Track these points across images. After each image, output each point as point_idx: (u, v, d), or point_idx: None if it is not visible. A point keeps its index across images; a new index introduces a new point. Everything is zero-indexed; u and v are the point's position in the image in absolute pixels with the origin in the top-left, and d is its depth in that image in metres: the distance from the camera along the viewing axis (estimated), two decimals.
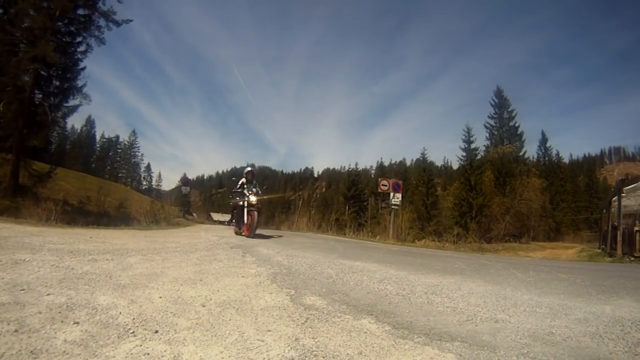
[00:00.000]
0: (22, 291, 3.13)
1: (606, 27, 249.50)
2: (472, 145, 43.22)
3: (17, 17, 20.38)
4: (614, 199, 18.10)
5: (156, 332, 2.53)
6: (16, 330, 2.31)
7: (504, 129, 50.21)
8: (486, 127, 51.30)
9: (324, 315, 3.17)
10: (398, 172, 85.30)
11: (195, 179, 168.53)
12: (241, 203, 12.34)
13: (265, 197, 13.57)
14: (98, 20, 22.90)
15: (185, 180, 54.06)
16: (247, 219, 11.84)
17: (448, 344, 2.68)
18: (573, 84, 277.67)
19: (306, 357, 2.30)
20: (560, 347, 2.76)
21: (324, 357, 2.31)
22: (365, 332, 2.83)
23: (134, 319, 2.74)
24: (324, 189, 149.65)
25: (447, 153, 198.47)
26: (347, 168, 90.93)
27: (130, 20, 24.38)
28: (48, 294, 3.12)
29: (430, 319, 3.27)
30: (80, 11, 22.77)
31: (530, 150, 55.28)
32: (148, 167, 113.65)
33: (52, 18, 20.69)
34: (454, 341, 2.75)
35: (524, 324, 3.28)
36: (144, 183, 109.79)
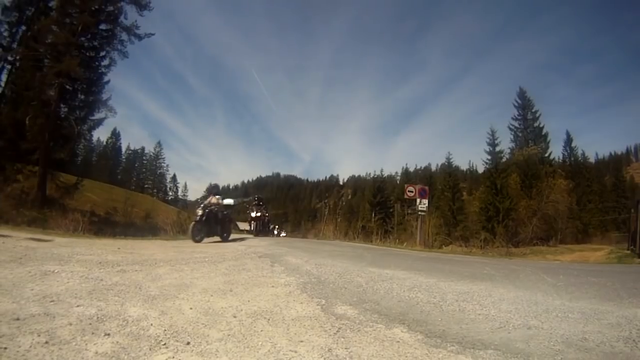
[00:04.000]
0: (52, 302, 3.15)
1: (627, 21, 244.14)
2: (497, 148, 42.74)
3: (40, 34, 20.86)
4: None
5: (188, 343, 2.52)
6: (47, 342, 2.32)
7: (529, 130, 49.56)
8: (510, 129, 50.73)
9: (355, 324, 3.14)
10: (423, 178, 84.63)
11: (221, 188, 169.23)
12: None
13: None
14: (120, 35, 23.31)
15: (210, 189, 54.61)
16: None
17: (482, 352, 2.64)
18: (596, 81, 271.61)
19: None
20: (593, 353, 2.72)
21: None
22: (398, 342, 2.79)
23: (165, 330, 2.74)
24: (349, 197, 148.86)
25: (472, 157, 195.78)
26: (372, 175, 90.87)
27: (152, 34, 24.80)
28: (78, 305, 3.14)
29: (463, 327, 3.23)
30: (103, 26, 23.25)
31: (556, 151, 54.29)
32: (174, 177, 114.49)
33: (75, 33, 21.08)
34: (488, 349, 2.71)
35: (556, 330, 3.22)
36: (170, 193, 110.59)
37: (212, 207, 13.70)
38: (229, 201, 15.05)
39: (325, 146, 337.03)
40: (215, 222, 13.62)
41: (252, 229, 22.61)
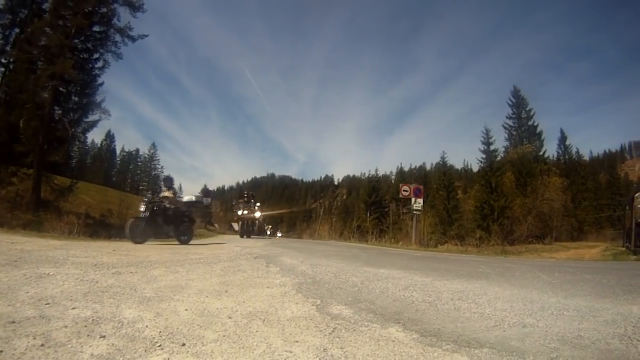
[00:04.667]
0: (47, 305, 3.15)
1: (622, 18, 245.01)
2: (492, 147, 42.65)
3: (33, 36, 20.78)
4: (637, 195, 17.80)
5: (183, 345, 2.52)
6: (42, 345, 2.32)
7: (523, 128, 49.72)
8: (505, 127, 50.87)
9: (351, 324, 3.15)
10: (418, 177, 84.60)
11: (215, 190, 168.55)
12: None
13: None
14: (114, 37, 23.25)
15: (206, 192, 54.64)
16: None
17: (477, 351, 2.64)
18: (591, 79, 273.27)
19: None
20: (589, 350, 2.72)
21: None
22: (393, 341, 2.79)
23: (160, 332, 2.74)
24: (344, 197, 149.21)
25: (466, 155, 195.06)
26: (367, 174, 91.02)
27: (146, 36, 24.74)
28: (73, 308, 3.13)
29: (458, 326, 3.24)
30: (96, 28, 23.16)
31: (550, 149, 54.46)
32: None
33: (69, 35, 21.01)
34: (483, 347, 2.71)
35: (552, 327, 3.23)
36: None
37: (163, 202, 11.99)
38: (189, 197, 13.18)
39: (320, 146, 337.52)
40: (165, 220, 11.82)
41: (238, 229, 20.96)
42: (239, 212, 20.78)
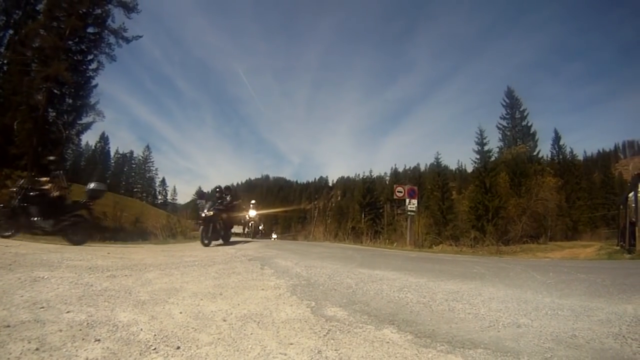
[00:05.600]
0: (42, 309, 3.14)
1: (615, 18, 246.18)
2: (486, 147, 42.60)
3: (27, 38, 20.73)
4: (631, 194, 17.86)
5: (178, 348, 2.52)
6: (37, 349, 2.31)
7: (517, 129, 49.83)
8: (498, 128, 50.97)
9: (345, 326, 3.16)
10: (412, 178, 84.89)
11: (210, 192, 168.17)
12: None
13: None
14: (108, 38, 23.24)
15: (200, 194, 54.24)
16: None
17: (471, 352, 2.66)
18: (584, 79, 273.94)
19: None
20: (583, 349, 2.74)
21: None
22: (388, 342, 2.80)
23: (155, 335, 2.73)
24: (339, 198, 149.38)
25: (460, 156, 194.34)
26: (361, 176, 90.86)
27: (140, 36, 24.75)
28: (68, 312, 3.12)
29: (453, 327, 3.25)
30: (90, 29, 23.12)
31: (544, 149, 54.48)
32: (163, 181, 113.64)
33: (63, 37, 20.96)
34: (477, 348, 2.73)
35: (546, 327, 3.25)
36: (160, 197, 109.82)
37: (41, 188, 9.57)
38: (92, 185, 10.63)
39: (315, 148, 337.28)
40: (42, 212, 9.45)
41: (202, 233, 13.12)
42: (203, 213, 13.06)
